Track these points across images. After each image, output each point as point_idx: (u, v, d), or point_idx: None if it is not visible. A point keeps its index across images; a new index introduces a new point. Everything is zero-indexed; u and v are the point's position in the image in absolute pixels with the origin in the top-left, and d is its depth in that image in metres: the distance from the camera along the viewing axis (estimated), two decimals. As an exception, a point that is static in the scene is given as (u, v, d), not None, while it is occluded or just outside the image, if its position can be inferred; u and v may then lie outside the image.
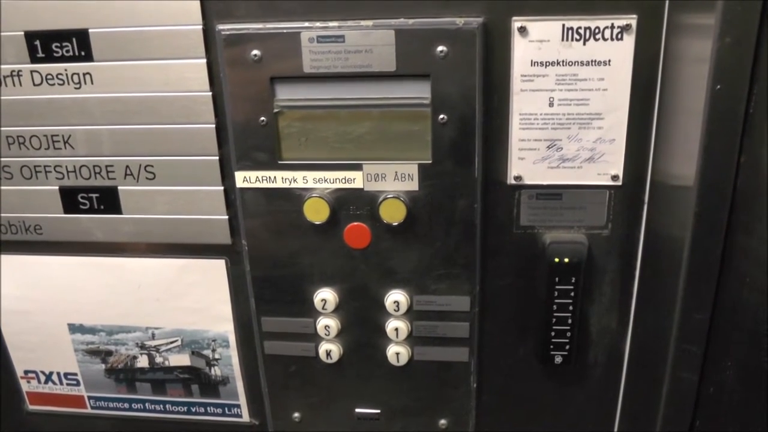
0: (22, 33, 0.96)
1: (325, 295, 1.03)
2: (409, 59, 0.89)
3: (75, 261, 1.12)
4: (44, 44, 0.96)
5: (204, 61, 0.94)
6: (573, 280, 0.96)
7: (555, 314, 0.99)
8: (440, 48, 0.87)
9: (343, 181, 0.96)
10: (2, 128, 1.02)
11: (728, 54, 0.71)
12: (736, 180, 0.76)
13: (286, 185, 0.97)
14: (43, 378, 1.25)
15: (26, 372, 1.25)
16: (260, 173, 0.97)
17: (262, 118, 0.94)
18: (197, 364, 1.17)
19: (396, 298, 1.02)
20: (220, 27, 0.91)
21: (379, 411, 1.12)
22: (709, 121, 0.74)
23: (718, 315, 0.83)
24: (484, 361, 1.07)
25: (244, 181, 0.98)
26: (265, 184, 0.97)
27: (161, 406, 1.23)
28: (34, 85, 0.99)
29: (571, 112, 0.90)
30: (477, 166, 0.93)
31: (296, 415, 1.14)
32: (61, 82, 0.98)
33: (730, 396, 0.88)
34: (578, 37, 0.86)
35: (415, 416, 1.12)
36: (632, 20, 0.85)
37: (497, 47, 0.88)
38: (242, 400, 1.19)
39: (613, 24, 0.85)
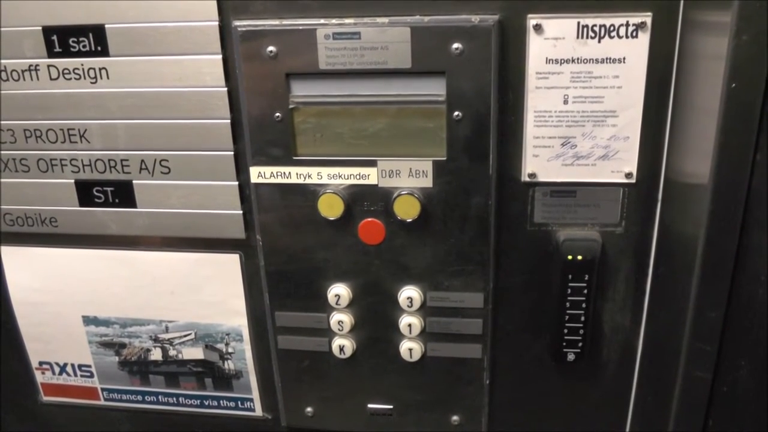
0: (40, 28, 0.96)
1: (339, 291, 1.03)
2: (425, 56, 0.89)
3: (90, 254, 1.12)
4: (61, 39, 0.96)
5: (220, 56, 0.94)
6: (586, 278, 0.96)
7: (568, 312, 0.99)
8: (455, 45, 0.87)
9: (358, 177, 0.96)
10: (20, 121, 1.03)
11: (744, 52, 0.71)
12: (751, 178, 0.76)
13: (300, 181, 0.98)
14: (57, 369, 1.25)
15: (41, 363, 1.26)
16: (275, 169, 0.97)
17: (278, 114, 0.94)
18: (211, 358, 1.17)
19: (409, 294, 1.02)
20: (237, 23, 0.91)
21: (391, 407, 1.12)
22: (724, 119, 0.74)
23: (732, 313, 0.83)
24: (497, 357, 1.07)
25: (258, 176, 0.98)
26: (279, 180, 0.98)
27: (174, 399, 1.23)
28: (51, 79, 0.99)
29: (585, 110, 0.90)
30: (491, 163, 0.93)
31: (309, 409, 1.15)
32: (77, 76, 0.99)
33: (744, 395, 0.88)
34: (593, 35, 0.86)
35: (428, 412, 1.12)
36: (647, 18, 0.85)
37: (512, 44, 0.88)
38: (255, 394, 1.19)
39: (628, 21, 0.85)
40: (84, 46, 0.97)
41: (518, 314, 1.04)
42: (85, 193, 1.06)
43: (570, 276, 0.97)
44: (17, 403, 1.31)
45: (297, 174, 0.97)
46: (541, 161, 0.94)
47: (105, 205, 1.07)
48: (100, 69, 0.98)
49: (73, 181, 1.06)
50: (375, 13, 0.89)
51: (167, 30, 0.94)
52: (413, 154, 0.94)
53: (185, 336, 1.16)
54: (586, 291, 0.97)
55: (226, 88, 0.96)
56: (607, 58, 0.87)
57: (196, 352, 1.17)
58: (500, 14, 0.87)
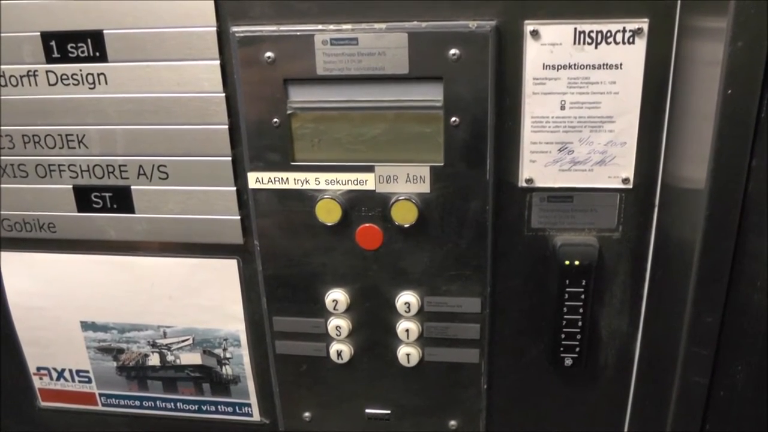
0: (39, 33, 0.96)
1: (337, 296, 1.04)
2: (422, 62, 0.89)
3: (88, 259, 1.12)
4: (60, 45, 0.97)
5: (218, 62, 0.94)
6: (583, 283, 0.96)
7: (565, 316, 0.99)
8: (453, 51, 0.88)
9: (355, 182, 0.96)
10: (18, 127, 1.03)
11: (740, 57, 0.71)
12: (747, 183, 0.76)
13: (298, 186, 0.98)
14: (55, 375, 1.25)
15: (39, 369, 1.25)
16: (273, 174, 0.98)
17: (275, 120, 0.95)
18: (208, 363, 1.17)
19: (407, 299, 1.02)
20: (234, 29, 0.91)
21: (389, 411, 1.12)
22: (720, 124, 0.74)
23: (729, 318, 0.83)
24: (494, 362, 1.07)
25: (256, 181, 0.98)
26: (277, 185, 0.98)
27: (172, 404, 1.23)
28: (50, 84, 0.99)
29: (582, 115, 0.90)
30: (489, 169, 0.93)
31: (307, 414, 1.15)
32: (75, 82, 0.99)
33: (740, 399, 0.88)
34: (590, 41, 0.87)
35: (426, 417, 1.12)
36: (644, 24, 0.85)
37: (509, 50, 0.89)
38: (253, 399, 1.19)
39: (624, 27, 0.85)
40: (82, 52, 0.97)
41: (516, 319, 1.04)
42: (84, 198, 1.06)
43: (567, 281, 0.97)
44: (15, 408, 1.30)
45: (295, 179, 0.98)
46: (539, 166, 0.94)
47: (103, 210, 1.07)
48: (98, 74, 0.98)
49: (71, 186, 1.06)
50: (372, 19, 0.89)
51: (165, 35, 0.94)
52: (411, 159, 0.94)
53: (183, 341, 1.16)
54: (583, 296, 0.97)
55: (223, 94, 0.96)
56: (604, 64, 0.87)
57: (193, 357, 1.17)
58: (497, 20, 0.87)
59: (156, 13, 0.93)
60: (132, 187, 1.04)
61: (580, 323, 0.99)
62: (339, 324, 1.05)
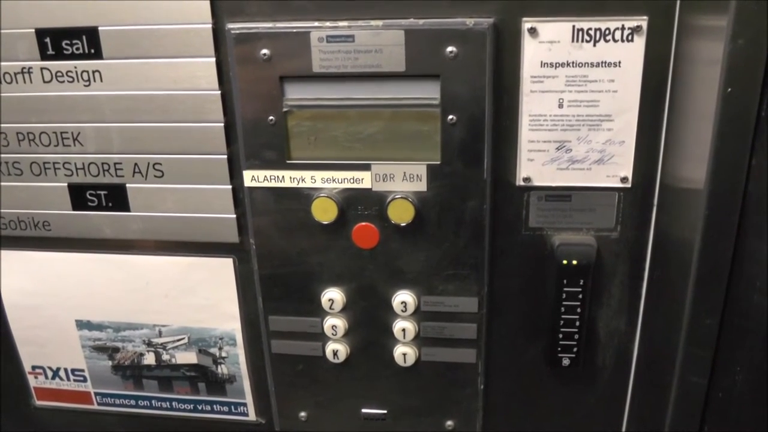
0: (33, 30, 0.96)
1: (333, 295, 1.03)
2: (419, 59, 0.88)
3: (83, 257, 1.12)
4: (54, 42, 0.96)
5: (213, 59, 0.93)
6: (581, 283, 0.96)
7: (563, 316, 0.98)
8: (450, 48, 0.87)
9: (352, 181, 0.95)
10: (13, 125, 1.02)
11: (740, 56, 0.71)
12: (747, 183, 0.76)
13: (294, 185, 0.97)
14: (50, 374, 1.25)
15: (34, 367, 1.25)
16: (268, 172, 0.97)
17: (271, 117, 0.94)
18: (204, 362, 1.17)
19: (403, 298, 1.02)
20: (230, 26, 0.91)
21: (385, 411, 1.12)
22: (720, 123, 0.73)
23: (728, 319, 0.83)
24: (491, 362, 1.07)
25: (252, 180, 0.98)
26: (273, 184, 0.97)
27: (168, 403, 1.23)
28: (44, 82, 0.99)
29: (580, 114, 0.90)
30: (486, 167, 0.93)
31: (302, 414, 1.14)
32: (70, 79, 0.98)
33: (739, 400, 0.87)
34: (588, 38, 0.86)
35: (422, 417, 1.11)
36: (643, 21, 0.85)
37: (507, 48, 0.88)
38: (249, 399, 1.19)
39: (623, 25, 0.85)
40: (77, 49, 0.96)
41: (513, 319, 1.04)
42: (79, 196, 1.06)
43: (565, 281, 0.96)
44: (10, 407, 1.30)
45: (291, 178, 0.97)
46: (536, 165, 0.93)
47: (98, 208, 1.06)
48: (93, 71, 0.97)
49: (66, 184, 1.05)
50: (369, 16, 0.88)
51: (161, 32, 0.93)
52: (407, 157, 0.94)
53: (179, 340, 1.15)
54: (581, 296, 0.97)
55: (219, 91, 0.95)
56: (602, 62, 0.87)
57: (189, 357, 1.17)
58: (495, 17, 0.87)
59: (151, 9, 0.93)
60: (127, 185, 1.04)
61: (577, 323, 0.99)
62: (335, 323, 1.05)
